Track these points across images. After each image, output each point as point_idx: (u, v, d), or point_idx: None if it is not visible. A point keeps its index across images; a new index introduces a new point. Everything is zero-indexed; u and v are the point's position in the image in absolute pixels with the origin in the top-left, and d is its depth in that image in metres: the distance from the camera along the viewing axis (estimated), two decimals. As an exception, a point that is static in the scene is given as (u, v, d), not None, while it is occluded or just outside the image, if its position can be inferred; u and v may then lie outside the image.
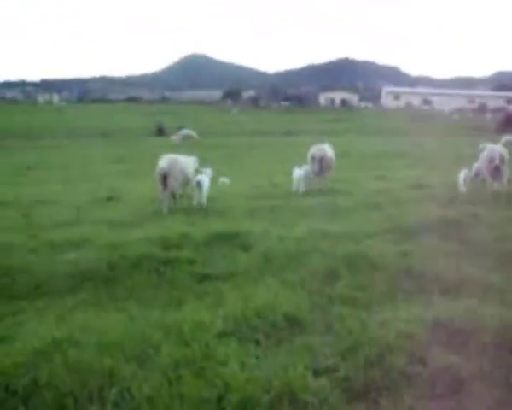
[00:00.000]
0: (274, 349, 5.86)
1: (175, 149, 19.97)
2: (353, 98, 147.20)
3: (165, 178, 14.73)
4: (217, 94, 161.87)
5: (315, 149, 18.34)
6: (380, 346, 5.81)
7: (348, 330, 6.26)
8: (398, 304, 7.24)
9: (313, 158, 18.03)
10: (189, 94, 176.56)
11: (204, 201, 14.99)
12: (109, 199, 16.79)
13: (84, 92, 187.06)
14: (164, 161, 14.90)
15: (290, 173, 18.17)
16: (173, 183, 14.81)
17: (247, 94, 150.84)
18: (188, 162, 15.61)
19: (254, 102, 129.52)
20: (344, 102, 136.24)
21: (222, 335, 6.11)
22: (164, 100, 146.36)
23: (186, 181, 15.32)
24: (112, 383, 5.09)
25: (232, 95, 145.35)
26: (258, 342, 6.00)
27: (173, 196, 15.23)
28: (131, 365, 5.42)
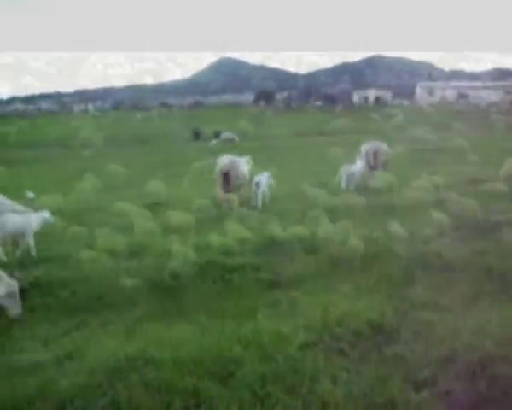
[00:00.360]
0: (362, 360, 5.44)
1: (216, 152, 19.55)
2: (387, 95, 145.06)
3: (225, 176, 14.73)
4: (250, 97, 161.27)
5: (368, 144, 18.07)
6: (479, 355, 5.35)
7: (439, 337, 5.81)
8: (485, 307, 6.76)
9: (367, 153, 17.71)
10: (221, 98, 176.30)
11: (259, 203, 14.61)
12: (158, 205, 16.45)
13: (118, 101, 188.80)
14: (225, 160, 15.07)
15: (335, 173, 17.65)
16: (235, 181, 14.98)
17: (281, 96, 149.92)
18: (244, 163, 15.61)
19: (288, 103, 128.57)
20: (378, 100, 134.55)
21: (305, 346, 5.71)
22: (197, 105, 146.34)
23: (244, 181, 15.28)
24: (198, 403, 4.73)
25: (265, 97, 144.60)
26: (343, 353, 5.59)
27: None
28: (214, 382, 5.05)
